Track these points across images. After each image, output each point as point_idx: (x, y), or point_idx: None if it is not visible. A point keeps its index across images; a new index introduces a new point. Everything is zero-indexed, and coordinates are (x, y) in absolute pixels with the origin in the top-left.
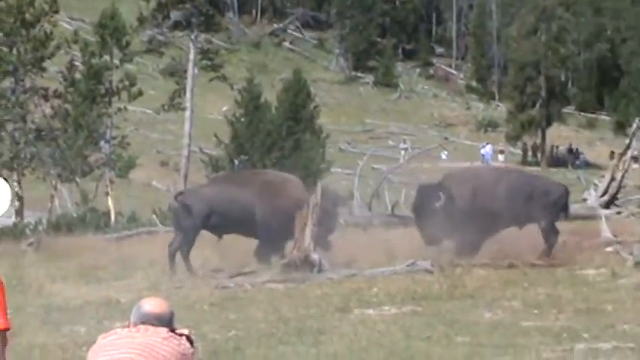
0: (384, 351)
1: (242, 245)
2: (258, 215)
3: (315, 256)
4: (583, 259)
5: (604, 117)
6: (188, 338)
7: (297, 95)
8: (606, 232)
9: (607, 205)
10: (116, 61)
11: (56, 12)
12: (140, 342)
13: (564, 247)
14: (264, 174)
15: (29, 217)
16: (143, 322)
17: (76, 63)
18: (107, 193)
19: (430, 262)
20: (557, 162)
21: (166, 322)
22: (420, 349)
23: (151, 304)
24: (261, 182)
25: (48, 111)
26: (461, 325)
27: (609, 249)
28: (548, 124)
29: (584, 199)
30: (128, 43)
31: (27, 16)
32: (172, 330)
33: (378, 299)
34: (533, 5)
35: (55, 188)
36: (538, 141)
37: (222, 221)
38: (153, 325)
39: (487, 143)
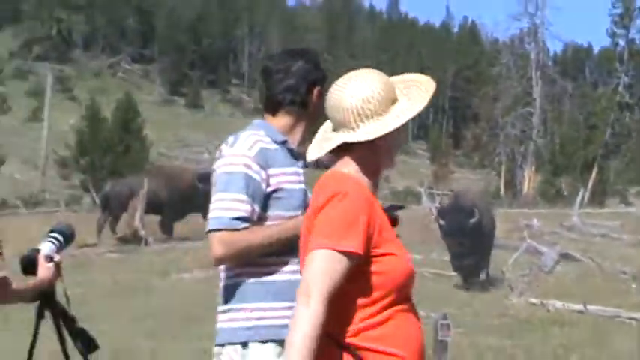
0: (195, 305)
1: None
2: None
3: (142, 233)
4: None
5: None
6: None
7: (128, 112)
8: None
9: None
10: None
11: None
12: None
13: None
14: None
15: None
16: None
17: None
18: None
19: None
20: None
21: None
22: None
23: None
24: None
25: None
26: None
27: None
28: None
29: None
30: (1, 71)
31: None
32: None
33: (190, 266)
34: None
35: None
36: None
37: None
38: None
39: None
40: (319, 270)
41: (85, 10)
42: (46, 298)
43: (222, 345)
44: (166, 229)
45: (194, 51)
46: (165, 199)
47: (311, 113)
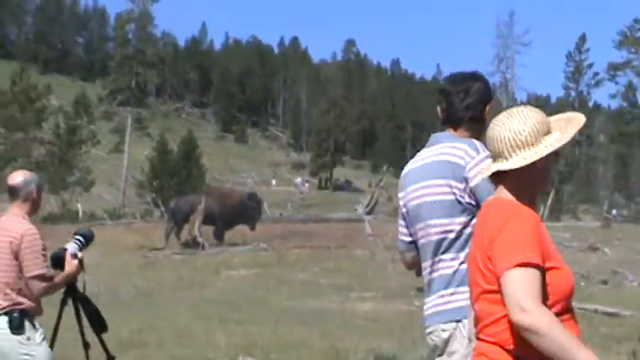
0: (240, 296)
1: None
2: None
3: (200, 239)
4: (355, 245)
5: (367, 162)
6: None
7: (189, 146)
8: (368, 229)
9: (369, 213)
10: (84, 124)
11: (49, 94)
12: None
13: (344, 237)
14: None
15: None
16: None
17: (61, 124)
18: (77, 200)
19: (266, 244)
20: (339, 188)
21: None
22: (261, 295)
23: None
24: None
25: (43, 152)
26: (285, 281)
27: (370, 239)
28: (334, 166)
29: (356, 209)
30: (92, 113)
31: (31, 95)
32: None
33: (237, 266)
34: (326, 97)
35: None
36: (328, 176)
37: None
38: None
39: (299, 177)
40: (521, 284)
41: (157, 66)
42: (69, 289)
43: (457, 321)
44: (219, 236)
45: (241, 98)
46: (218, 213)
47: (483, 128)
